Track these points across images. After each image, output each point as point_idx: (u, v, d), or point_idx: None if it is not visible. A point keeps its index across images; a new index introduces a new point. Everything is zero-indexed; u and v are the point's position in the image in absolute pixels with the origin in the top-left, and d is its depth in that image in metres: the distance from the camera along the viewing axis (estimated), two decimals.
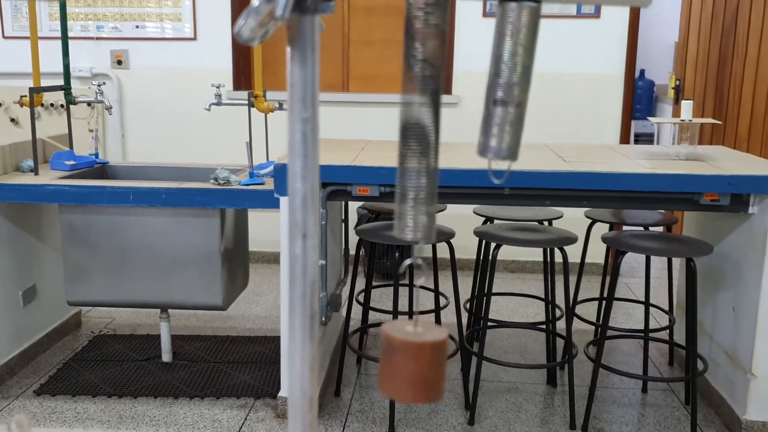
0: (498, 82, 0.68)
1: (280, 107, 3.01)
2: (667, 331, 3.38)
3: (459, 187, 2.63)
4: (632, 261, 5.04)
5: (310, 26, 0.73)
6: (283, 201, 2.59)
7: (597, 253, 4.67)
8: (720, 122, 4.24)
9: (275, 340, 3.51)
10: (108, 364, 3.22)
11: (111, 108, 3.14)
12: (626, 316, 4.03)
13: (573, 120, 4.54)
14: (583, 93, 4.51)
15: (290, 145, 0.75)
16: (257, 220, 4.69)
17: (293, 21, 0.72)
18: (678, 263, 3.39)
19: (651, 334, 3.35)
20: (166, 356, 3.23)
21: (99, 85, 3.19)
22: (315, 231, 0.77)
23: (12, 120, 3.56)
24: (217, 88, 3.09)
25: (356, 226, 3.27)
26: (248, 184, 2.78)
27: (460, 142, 3.43)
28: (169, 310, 3.15)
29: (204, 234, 2.87)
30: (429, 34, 0.70)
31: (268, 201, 2.70)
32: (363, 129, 4.60)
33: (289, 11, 0.66)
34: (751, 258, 2.64)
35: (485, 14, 4.44)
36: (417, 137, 0.71)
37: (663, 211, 3.18)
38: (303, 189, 0.75)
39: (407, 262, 0.86)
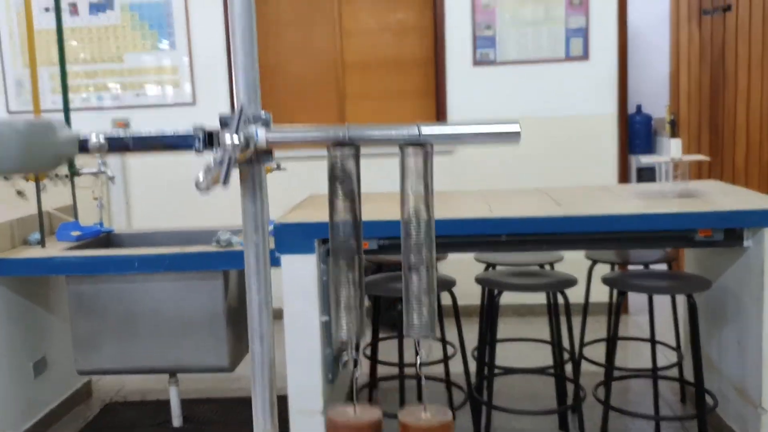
0: None
1: (278, 168, 3.07)
2: (677, 368, 3.37)
3: (457, 236, 2.66)
4: (639, 299, 5.02)
5: (258, 172, 0.98)
6: (285, 259, 2.62)
7: (601, 293, 4.65)
8: (709, 158, 4.27)
9: (283, 400, 3.50)
10: None
11: (113, 178, 3.21)
12: (636, 355, 4.01)
13: (570, 162, 4.58)
14: (578, 135, 4.56)
15: (246, 265, 1.01)
16: None
17: (244, 169, 0.96)
18: (682, 300, 3.39)
19: (660, 372, 3.34)
20: (177, 421, 3.23)
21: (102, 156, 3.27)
22: (268, 333, 0.99)
23: (18, 192, 3.64)
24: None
25: None
26: None
27: (455, 190, 3.48)
28: (179, 374, 3.17)
29: (208, 296, 2.90)
30: None
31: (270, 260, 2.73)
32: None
33: (229, 179, 0.86)
34: (750, 291, 2.65)
35: (475, 63, 4.52)
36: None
37: (668, 249, 3.19)
38: (258, 299, 0.99)
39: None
